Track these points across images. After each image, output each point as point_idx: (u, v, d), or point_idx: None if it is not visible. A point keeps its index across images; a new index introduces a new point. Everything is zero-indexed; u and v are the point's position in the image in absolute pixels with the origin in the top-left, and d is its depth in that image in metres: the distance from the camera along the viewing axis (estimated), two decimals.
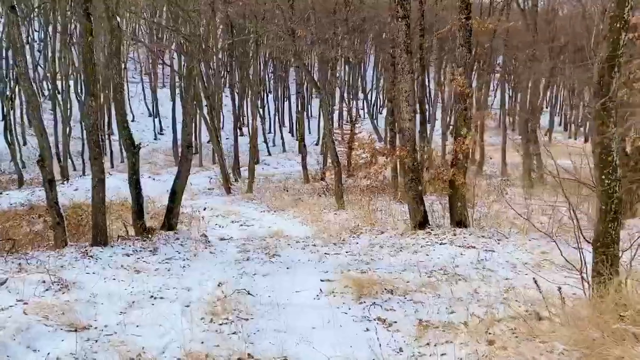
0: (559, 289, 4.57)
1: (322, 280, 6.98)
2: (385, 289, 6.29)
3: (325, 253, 9.14)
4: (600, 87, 3.67)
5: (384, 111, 52.63)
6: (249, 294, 6.39)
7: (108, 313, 5.66)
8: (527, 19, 20.38)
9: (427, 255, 8.51)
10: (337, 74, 33.45)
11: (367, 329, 5.07)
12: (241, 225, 13.68)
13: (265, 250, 9.49)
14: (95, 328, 5.22)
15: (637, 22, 8.61)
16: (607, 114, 3.60)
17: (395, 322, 5.19)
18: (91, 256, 8.22)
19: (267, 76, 53.47)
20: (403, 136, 9.68)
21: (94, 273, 7.29)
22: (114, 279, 7.12)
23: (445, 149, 23.05)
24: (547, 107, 45.76)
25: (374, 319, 5.30)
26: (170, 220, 11.07)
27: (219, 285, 6.90)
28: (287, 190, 20.43)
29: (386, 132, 33.70)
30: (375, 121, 44.51)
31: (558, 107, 53.15)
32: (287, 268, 8.05)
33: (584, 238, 4.91)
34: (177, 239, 10.29)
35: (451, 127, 38.70)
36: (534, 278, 4.97)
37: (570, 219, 9.91)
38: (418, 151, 9.81)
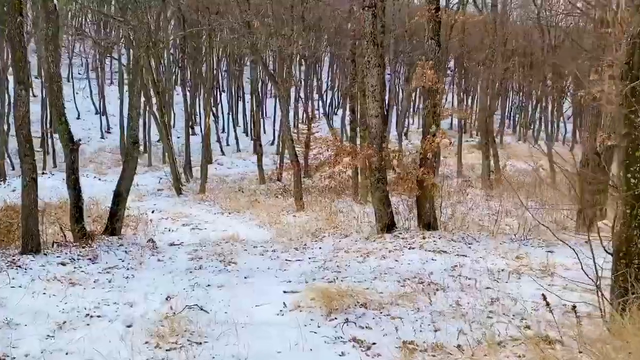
0: (574, 308, 3.97)
1: (285, 292, 6.24)
2: (358, 302, 5.61)
3: (286, 259, 8.41)
4: (629, 68, 3.12)
5: (340, 112, 52.36)
6: (202, 309, 5.58)
7: (31, 338, 4.74)
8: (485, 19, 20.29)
9: (397, 260, 7.91)
10: (293, 73, 32.74)
11: (343, 353, 4.37)
12: (193, 228, 12.75)
13: (220, 257, 8.67)
14: (13, 359, 4.29)
15: None
16: (637, 100, 3.05)
17: (374, 343, 4.51)
18: (19, 266, 7.20)
19: (220, 74, 52.21)
20: (369, 134, 9.07)
21: (20, 287, 6.30)
22: (44, 294, 6.16)
23: (402, 148, 22.78)
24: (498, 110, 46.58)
25: (350, 340, 4.60)
26: (113, 224, 10.06)
27: (167, 299, 6.06)
28: (243, 191, 19.55)
29: (342, 132, 33.20)
30: (331, 122, 44.06)
31: (507, 110, 54.32)
32: (245, 277, 7.26)
33: (605, 249, 4.34)
34: (121, 245, 9.31)
35: (405, 128, 38.84)
36: (542, 294, 4.36)
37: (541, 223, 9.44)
38: (385, 149, 9.20)
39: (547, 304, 4.04)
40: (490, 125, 19.94)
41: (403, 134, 34.77)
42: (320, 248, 9.19)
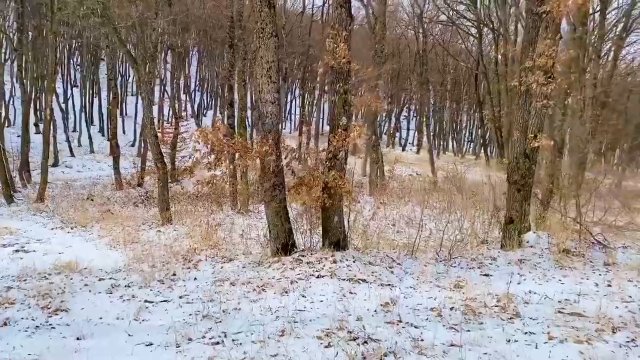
0: None
1: None
2: None
3: (146, 301, 5.83)
4: None
5: (210, 113, 49.15)
6: None
7: None
8: (372, 24, 19.08)
9: (304, 297, 5.77)
10: (157, 71, 29.18)
11: None
12: (16, 251, 9.45)
13: (43, 301, 5.83)
14: None
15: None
16: None
17: None
18: None
19: (73, 67, 46.20)
20: (263, 125, 6.86)
21: None
22: None
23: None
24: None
25: None
26: None
27: None
28: (93, 199, 16.09)
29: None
30: (200, 122, 40.87)
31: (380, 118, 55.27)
32: (78, 340, 4.61)
33: None
34: None
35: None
36: None
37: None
38: (283, 147, 7.03)
39: None
40: (376, 128, 18.75)
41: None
42: (195, 279, 6.73)
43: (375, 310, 5.24)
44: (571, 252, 7.81)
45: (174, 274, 7.00)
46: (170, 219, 11.41)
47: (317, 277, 6.37)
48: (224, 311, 5.30)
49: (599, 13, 21.51)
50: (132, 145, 35.33)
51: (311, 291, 5.91)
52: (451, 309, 5.25)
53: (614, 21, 25.78)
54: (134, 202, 15.49)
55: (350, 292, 5.87)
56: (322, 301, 5.62)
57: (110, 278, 6.99)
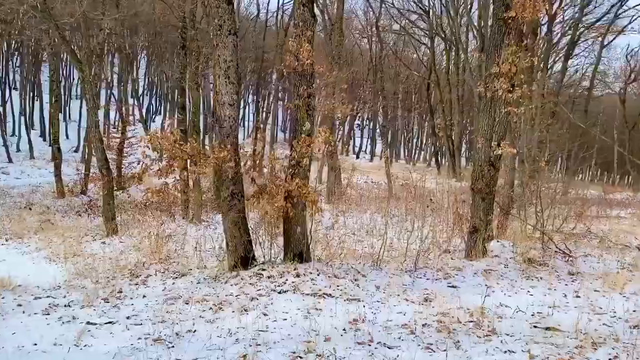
0: None
1: None
2: None
3: (89, 323, 5.21)
4: None
5: (159, 118, 47.73)
6: None
7: None
8: (329, 31, 18.86)
9: (266, 315, 5.32)
10: (104, 74, 27.94)
11: None
12: None
13: None
14: None
15: None
16: None
17: None
18: None
19: (12, 69, 43.79)
20: (221, 129, 6.38)
21: None
22: None
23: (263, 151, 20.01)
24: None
25: None
26: None
27: None
28: (32, 208, 15.01)
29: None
30: (148, 128, 39.53)
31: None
32: None
33: None
34: None
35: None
36: None
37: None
38: (242, 153, 6.58)
39: None
40: (334, 135, 18.51)
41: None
42: (144, 297, 6.15)
43: (344, 329, 4.86)
44: (536, 261, 7.71)
45: (120, 291, 6.39)
46: (116, 229, 10.67)
47: (280, 292, 5.94)
48: (177, 334, 4.78)
49: (546, 25, 22.21)
50: (76, 151, 33.75)
51: (273, 309, 5.46)
52: (424, 325, 4.94)
53: (561, 34, 26.74)
54: (76, 212, 14.55)
55: (316, 309, 5.47)
56: (285, 320, 5.19)
57: (48, 296, 6.31)
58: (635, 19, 31.07)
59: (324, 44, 22.15)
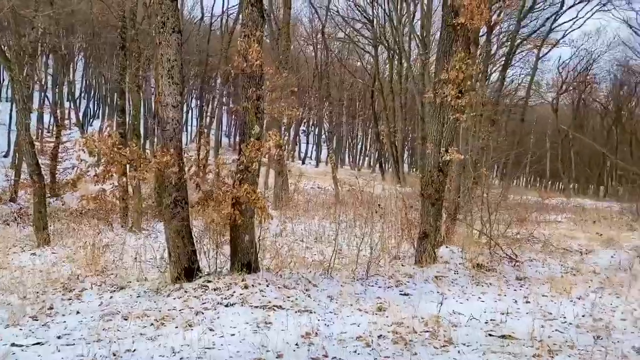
0: None
1: None
2: None
3: (13, 344, 4.71)
4: None
5: (96, 123, 45.78)
6: None
7: None
8: (276, 35, 18.58)
9: (213, 330, 5.00)
10: (37, 75, 26.42)
11: None
12: None
13: None
14: None
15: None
16: None
17: None
18: None
19: None
20: (163, 132, 5.99)
21: None
22: None
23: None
24: None
25: None
26: None
27: None
28: None
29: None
30: (85, 131, 37.80)
31: None
32: None
33: None
34: None
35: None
36: None
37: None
38: (186, 158, 6.23)
39: None
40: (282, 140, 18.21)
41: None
42: (78, 313, 5.65)
43: (296, 344, 4.62)
44: (484, 266, 7.75)
45: (51, 308, 5.86)
46: (48, 239, 9.93)
47: (227, 305, 5.62)
48: (114, 354, 4.38)
49: (484, 36, 22.88)
50: (6, 156, 31.75)
51: (220, 323, 5.14)
52: (379, 337, 4.78)
53: (497, 45, 27.70)
54: (4, 221, 13.53)
55: (266, 323, 5.19)
56: (234, 335, 4.88)
57: None
58: (568, 33, 32.79)
59: (269, 50, 21.91)
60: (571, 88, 39.47)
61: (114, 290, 6.38)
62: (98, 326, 5.10)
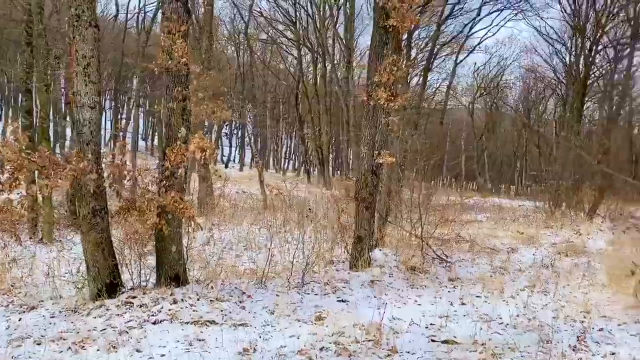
0: None
1: None
2: None
3: None
4: None
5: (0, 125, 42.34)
6: None
7: None
8: (198, 35, 17.91)
9: (140, 351, 4.58)
10: None
11: None
12: None
13: None
14: None
15: None
16: None
17: None
18: None
19: None
20: (79, 135, 5.43)
21: None
22: None
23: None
24: None
25: None
26: None
27: None
28: None
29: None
30: None
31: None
32: None
33: None
34: None
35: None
36: None
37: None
38: (105, 164, 5.70)
39: None
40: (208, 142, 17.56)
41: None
42: None
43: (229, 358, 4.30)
44: (418, 268, 7.77)
45: None
46: None
47: (154, 323, 5.18)
48: None
49: (404, 41, 23.47)
50: None
51: (148, 343, 4.71)
52: (321, 349, 4.56)
53: (417, 49, 28.54)
54: None
55: (199, 340, 4.83)
56: (164, 355, 4.49)
57: None
58: (483, 40, 34.42)
59: (191, 50, 21.13)
60: (485, 92, 41.48)
61: (24, 311, 5.71)
62: (6, 353, 4.51)
